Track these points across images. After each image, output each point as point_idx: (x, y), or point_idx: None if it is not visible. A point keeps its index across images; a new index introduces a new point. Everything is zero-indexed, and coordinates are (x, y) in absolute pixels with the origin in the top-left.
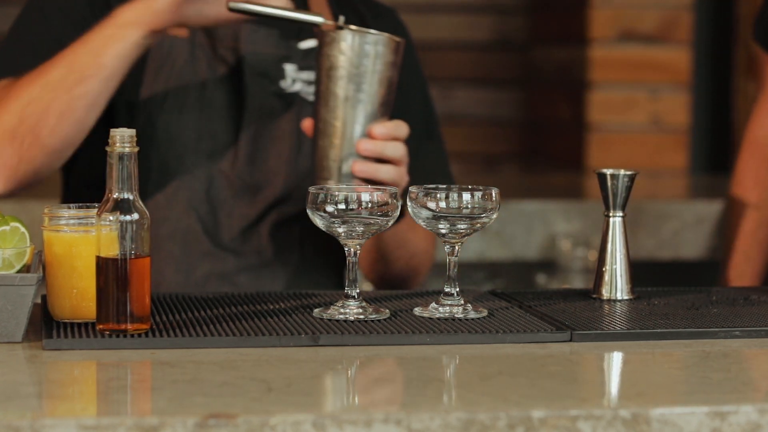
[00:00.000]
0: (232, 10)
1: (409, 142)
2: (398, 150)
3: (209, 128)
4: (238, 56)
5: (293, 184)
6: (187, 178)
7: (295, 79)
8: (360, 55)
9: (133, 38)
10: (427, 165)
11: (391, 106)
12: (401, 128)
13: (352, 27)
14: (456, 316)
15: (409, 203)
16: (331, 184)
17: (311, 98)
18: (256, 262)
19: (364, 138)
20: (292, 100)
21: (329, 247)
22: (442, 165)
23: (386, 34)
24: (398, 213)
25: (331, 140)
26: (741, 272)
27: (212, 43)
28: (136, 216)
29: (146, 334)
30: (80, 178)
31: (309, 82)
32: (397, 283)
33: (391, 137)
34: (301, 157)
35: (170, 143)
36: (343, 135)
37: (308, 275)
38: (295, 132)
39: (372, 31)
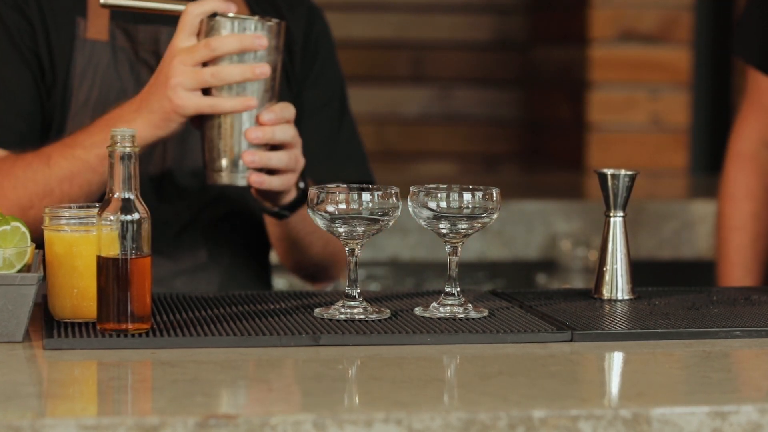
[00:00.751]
0: (104, 5)
1: (321, 135)
2: (288, 132)
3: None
4: (159, 59)
5: (221, 186)
6: None
7: None
8: None
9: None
10: (340, 158)
11: (277, 91)
12: (288, 110)
13: (229, 14)
14: (457, 316)
15: (409, 203)
16: (224, 178)
17: None
18: (191, 265)
19: (252, 126)
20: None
21: (259, 245)
22: (358, 160)
23: (264, 18)
24: (398, 213)
25: (218, 131)
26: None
27: (133, 46)
28: (136, 215)
29: (147, 334)
30: None
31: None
32: (318, 271)
33: (280, 121)
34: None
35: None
36: (231, 125)
37: (241, 274)
38: None
39: (249, 16)
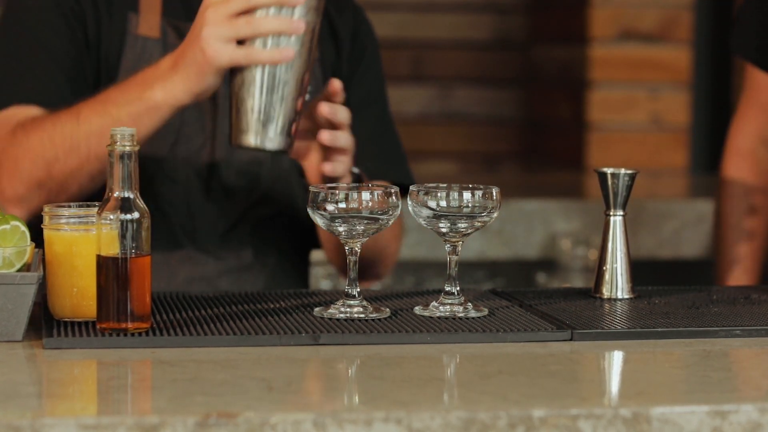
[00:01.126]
0: None
1: (365, 134)
2: (346, 116)
3: (184, 132)
4: None
5: (269, 186)
6: (165, 183)
7: None
8: None
9: (167, 116)
10: (383, 158)
11: (313, 57)
12: (343, 112)
13: None
14: (457, 315)
15: (409, 202)
16: (251, 139)
17: None
18: (236, 264)
19: (286, 84)
20: None
21: (303, 245)
22: (399, 161)
23: None
24: (398, 212)
25: (249, 88)
26: (739, 284)
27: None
28: (136, 215)
29: (146, 333)
30: None
31: None
32: (366, 267)
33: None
34: (276, 158)
35: (147, 147)
36: (264, 82)
37: (284, 275)
38: None
39: None
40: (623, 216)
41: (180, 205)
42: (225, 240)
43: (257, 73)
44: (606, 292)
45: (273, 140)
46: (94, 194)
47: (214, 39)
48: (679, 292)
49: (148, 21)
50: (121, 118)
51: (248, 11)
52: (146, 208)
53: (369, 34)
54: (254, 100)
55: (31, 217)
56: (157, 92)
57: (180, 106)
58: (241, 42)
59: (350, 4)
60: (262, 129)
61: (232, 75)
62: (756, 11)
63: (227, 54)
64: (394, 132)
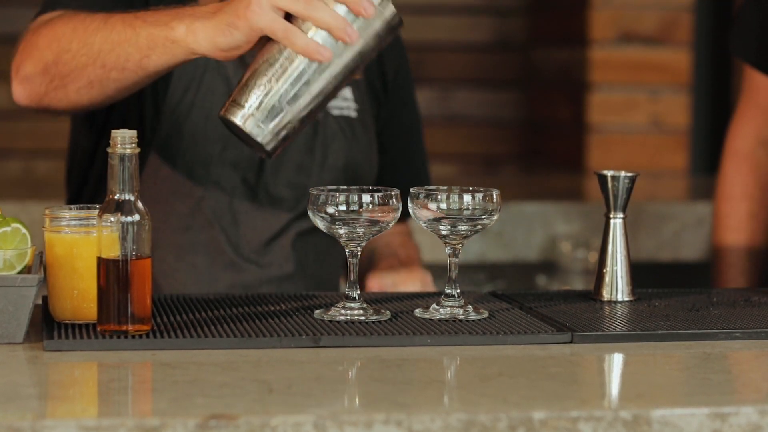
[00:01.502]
0: None
1: (398, 141)
2: None
3: (234, 139)
4: None
5: None
6: (212, 188)
7: None
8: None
9: (181, 57)
10: (410, 165)
11: (357, 82)
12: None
13: None
14: (457, 317)
15: (410, 204)
16: (238, 115)
17: (335, 112)
18: (278, 274)
19: (306, 89)
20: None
21: (344, 258)
22: (423, 166)
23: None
24: (398, 214)
25: (269, 67)
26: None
27: None
28: (137, 217)
29: (147, 335)
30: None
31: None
32: None
33: None
34: (325, 170)
35: (196, 151)
36: (286, 70)
37: (327, 285)
38: (320, 146)
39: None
40: (623, 218)
41: (225, 213)
42: (268, 249)
43: (288, 59)
44: (606, 295)
45: (263, 134)
46: (85, 110)
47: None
48: (679, 295)
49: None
50: (139, 37)
51: None
52: (147, 210)
53: (408, 70)
54: (269, 83)
55: (30, 104)
56: (181, 27)
57: (197, 53)
58: (289, 18)
59: (400, 41)
60: (259, 116)
61: (264, 47)
62: (755, 13)
63: (267, 18)
64: (427, 162)
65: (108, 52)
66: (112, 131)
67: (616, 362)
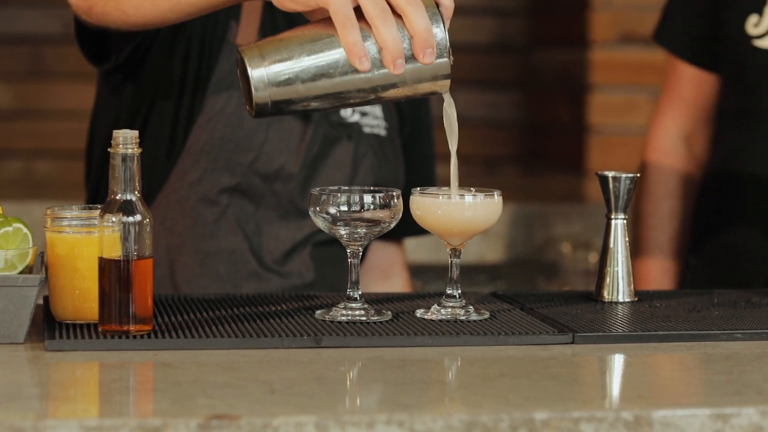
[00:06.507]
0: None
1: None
2: None
3: (266, 150)
4: None
5: None
6: (239, 197)
7: (354, 109)
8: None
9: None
10: (418, 167)
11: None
12: None
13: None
14: (458, 318)
15: (410, 204)
16: (257, 77)
17: (367, 129)
18: (298, 283)
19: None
20: (351, 130)
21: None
22: (431, 169)
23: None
24: (400, 215)
25: (309, 48)
26: (659, 285)
27: None
28: (138, 217)
29: (149, 336)
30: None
31: (364, 114)
32: None
33: None
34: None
35: (227, 159)
36: (322, 59)
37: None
38: (350, 162)
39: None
40: (624, 219)
41: (250, 222)
42: (288, 258)
43: (329, 45)
44: (607, 296)
45: (261, 92)
46: (132, 26)
47: None
48: (680, 296)
49: (246, 32)
50: None
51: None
52: (148, 210)
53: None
54: (299, 55)
55: (85, 17)
56: None
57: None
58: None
59: None
60: (270, 76)
61: (321, 20)
62: (683, 3)
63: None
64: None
65: None
66: (114, 131)
67: (617, 363)
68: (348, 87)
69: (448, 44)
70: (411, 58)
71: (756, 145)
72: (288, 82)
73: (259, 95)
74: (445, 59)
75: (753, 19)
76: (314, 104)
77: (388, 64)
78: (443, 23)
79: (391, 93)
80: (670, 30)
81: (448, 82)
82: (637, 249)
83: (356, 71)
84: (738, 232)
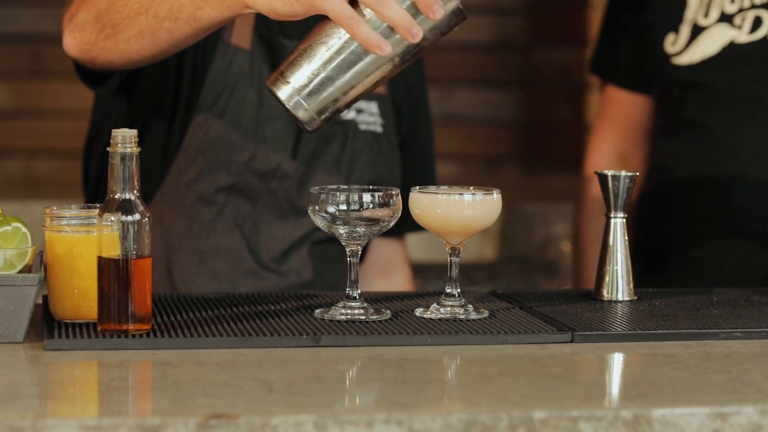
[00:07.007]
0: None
1: (419, 146)
2: None
3: (263, 148)
4: None
5: None
6: (236, 196)
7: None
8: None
9: (235, 10)
10: (418, 164)
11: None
12: None
13: None
14: (457, 316)
15: (409, 202)
16: (284, 90)
17: (363, 127)
18: (296, 282)
19: (357, 76)
20: (347, 127)
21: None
22: (430, 166)
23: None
24: (399, 214)
25: (325, 50)
26: None
27: (273, 59)
28: (137, 216)
29: (147, 335)
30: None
31: (360, 111)
32: None
33: None
34: (351, 184)
35: (223, 158)
36: (341, 57)
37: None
38: (346, 159)
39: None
40: (624, 218)
41: (247, 221)
42: (286, 257)
43: (345, 45)
44: (606, 294)
45: (306, 113)
46: (133, 64)
47: None
48: (679, 294)
49: (241, 31)
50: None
51: None
52: (147, 209)
53: (426, 82)
54: (320, 65)
55: (79, 55)
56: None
57: (250, 7)
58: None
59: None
60: (305, 95)
61: (320, 24)
62: (615, 32)
63: (334, 2)
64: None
65: (161, 1)
66: (113, 130)
67: (616, 362)
68: (379, 72)
69: None
70: (419, 16)
71: (686, 152)
72: (322, 94)
73: (303, 115)
74: (453, 1)
75: (671, 37)
76: (357, 97)
77: (405, 37)
78: None
79: (422, 50)
80: (600, 58)
81: (464, 16)
82: (576, 260)
83: (380, 60)
84: (674, 237)
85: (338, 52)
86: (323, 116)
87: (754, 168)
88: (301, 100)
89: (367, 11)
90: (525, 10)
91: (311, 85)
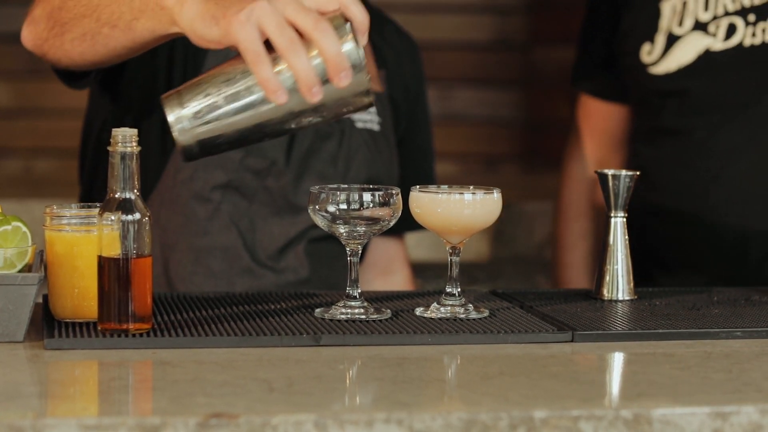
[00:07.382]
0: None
1: (417, 147)
2: None
3: (259, 145)
4: None
5: None
6: (232, 194)
7: None
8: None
9: (165, 25)
10: (416, 163)
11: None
12: None
13: (358, 37)
14: (457, 316)
15: (409, 202)
16: (175, 113)
17: (359, 125)
18: (293, 279)
19: (253, 118)
20: (343, 125)
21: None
22: (429, 165)
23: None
24: (399, 213)
25: (225, 82)
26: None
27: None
28: (137, 215)
29: (148, 334)
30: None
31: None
32: None
33: None
34: (347, 182)
35: (219, 157)
36: (238, 92)
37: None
38: (343, 158)
39: (363, 63)
40: (624, 217)
41: (243, 218)
42: (283, 255)
43: (245, 83)
44: (606, 294)
45: (187, 140)
46: (77, 66)
47: (258, 12)
48: (679, 294)
49: None
50: (120, 13)
51: (305, 31)
52: (147, 208)
53: (425, 82)
54: (216, 98)
55: (33, 48)
56: (175, 7)
57: (177, 25)
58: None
59: (416, 47)
60: (191, 123)
61: (235, 57)
62: (589, 42)
63: (245, 34)
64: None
65: (105, 6)
66: (113, 129)
67: (616, 361)
68: (271, 117)
69: (363, 60)
70: (327, 81)
71: (665, 158)
72: (210, 128)
73: (182, 138)
74: (363, 75)
75: (646, 47)
76: (240, 140)
77: (304, 93)
78: (356, 39)
79: (317, 117)
80: (577, 69)
81: (371, 98)
82: (552, 267)
83: (276, 108)
84: (654, 241)
85: (237, 90)
86: (202, 150)
87: (732, 171)
88: (187, 126)
89: (280, 61)
90: (525, 9)
91: (201, 115)
